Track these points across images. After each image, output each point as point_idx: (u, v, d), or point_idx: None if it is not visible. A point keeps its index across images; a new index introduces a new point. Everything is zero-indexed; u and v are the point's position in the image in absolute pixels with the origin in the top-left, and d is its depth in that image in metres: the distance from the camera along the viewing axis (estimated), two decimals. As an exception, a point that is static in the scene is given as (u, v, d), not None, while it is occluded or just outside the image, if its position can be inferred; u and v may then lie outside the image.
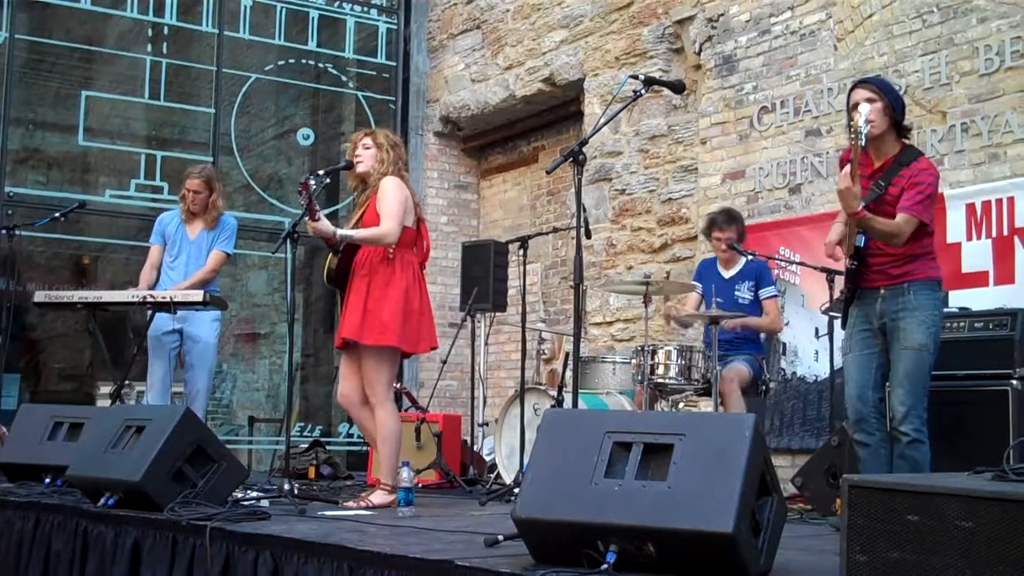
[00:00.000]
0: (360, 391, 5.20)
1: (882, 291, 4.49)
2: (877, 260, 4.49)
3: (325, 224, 4.97)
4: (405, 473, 4.74)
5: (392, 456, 5.11)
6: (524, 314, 6.23)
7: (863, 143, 4.23)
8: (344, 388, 5.25)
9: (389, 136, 5.34)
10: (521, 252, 6.39)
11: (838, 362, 6.25)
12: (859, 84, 4.59)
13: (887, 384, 4.50)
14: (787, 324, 6.65)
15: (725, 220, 6.32)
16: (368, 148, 5.21)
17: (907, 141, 4.52)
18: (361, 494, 5.21)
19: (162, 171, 8.97)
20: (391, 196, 5.07)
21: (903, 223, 4.34)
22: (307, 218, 4.93)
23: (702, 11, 7.61)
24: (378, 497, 5.04)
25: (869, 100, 4.40)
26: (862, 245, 4.48)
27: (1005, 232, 5.71)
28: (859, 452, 4.52)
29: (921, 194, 4.36)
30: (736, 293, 6.19)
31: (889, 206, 4.38)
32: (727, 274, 6.32)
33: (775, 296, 6.25)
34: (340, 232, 5.00)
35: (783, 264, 6.67)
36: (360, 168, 5.21)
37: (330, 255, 5.19)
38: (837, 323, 6.19)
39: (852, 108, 4.43)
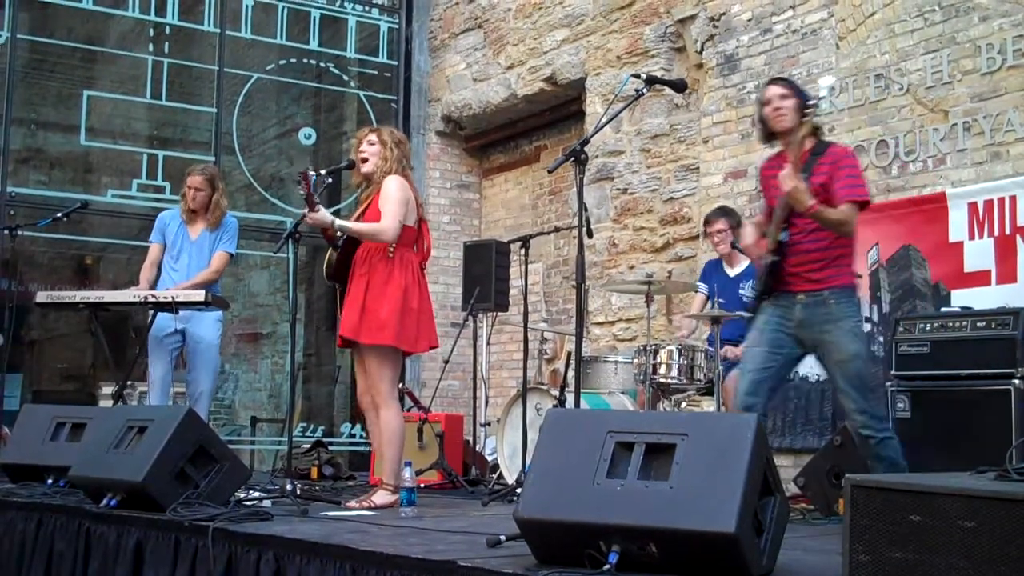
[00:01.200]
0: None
1: (800, 297, 4.57)
2: (796, 261, 4.56)
3: (323, 214, 4.97)
4: (407, 473, 4.74)
5: (396, 456, 5.10)
6: (526, 314, 6.23)
7: (817, 107, 4.42)
8: (363, 388, 5.26)
9: (394, 134, 5.33)
10: (523, 252, 6.39)
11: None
12: (772, 82, 4.80)
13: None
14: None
15: (715, 214, 6.41)
16: (373, 145, 5.21)
17: (818, 134, 4.65)
18: (363, 494, 5.21)
19: (164, 171, 8.97)
20: (392, 194, 5.07)
21: (849, 211, 4.45)
22: (305, 208, 4.93)
23: (704, 10, 7.61)
24: (381, 497, 5.04)
25: (782, 96, 4.60)
26: (786, 240, 4.54)
27: (1007, 231, 5.70)
28: None
29: (852, 176, 4.51)
30: (740, 291, 6.19)
31: (815, 196, 4.43)
32: (731, 272, 6.32)
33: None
34: (338, 223, 5.00)
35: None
36: (365, 167, 5.20)
37: (330, 250, 5.18)
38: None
39: (764, 103, 4.65)
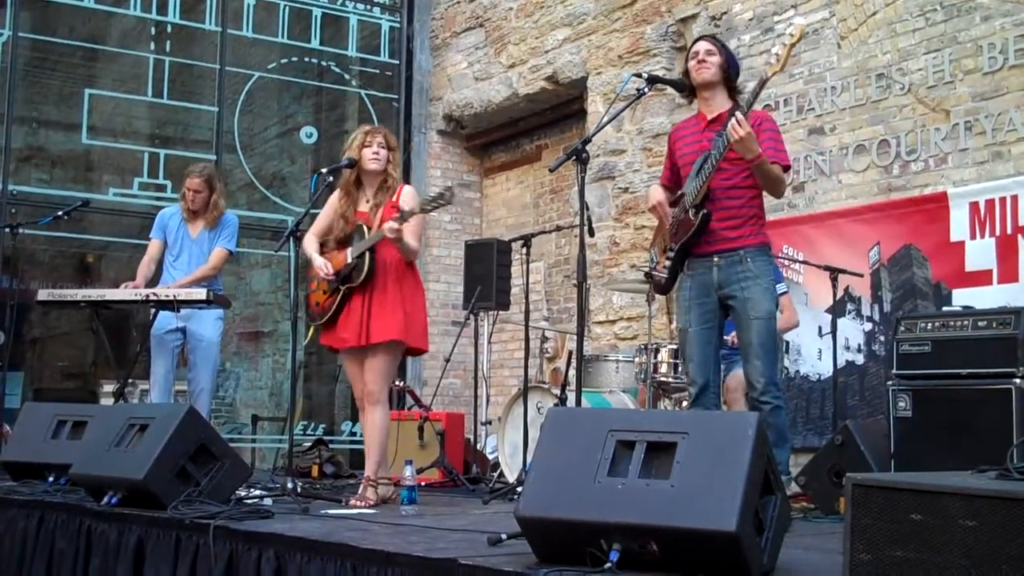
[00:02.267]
0: None
1: (716, 259, 4.60)
2: (713, 221, 4.56)
3: (394, 227, 4.98)
4: (408, 471, 4.74)
5: (384, 453, 5.23)
6: (527, 312, 6.23)
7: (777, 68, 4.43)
8: (363, 388, 5.28)
9: (395, 139, 5.47)
10: (524, 250, 6.39)
11: (842, 360, 6.27)
12: (702, 38, 4.87)
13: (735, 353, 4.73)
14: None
15: None
16: (383, 147, 5.27)
17: (736, 97, 4.70)
18: (362, 493, 5.21)
19: (165, 169, 8.97)
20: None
21: (780, 172, 4.54)
22: (398, 217, 4.94)
23: (705, 9, 7.61)
24: (373, 493, 5.06)
25: (709, 52, 4.66)
26: (709, 195, 4.53)
27: (1009, 231, 5.70)
28: None
29: (775, 140, 4.57)
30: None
31: (730, 151, 4.44)
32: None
33: (786, 292, 6.23)
34: (405, 240, 5.04)
35: (786, 263, 6.67)
36: (374, 166, 5.21)
37: (359, 254, 5.14)
38: (841, 322, 6.22)
39: (691, 56, 4.71)
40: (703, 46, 4.71)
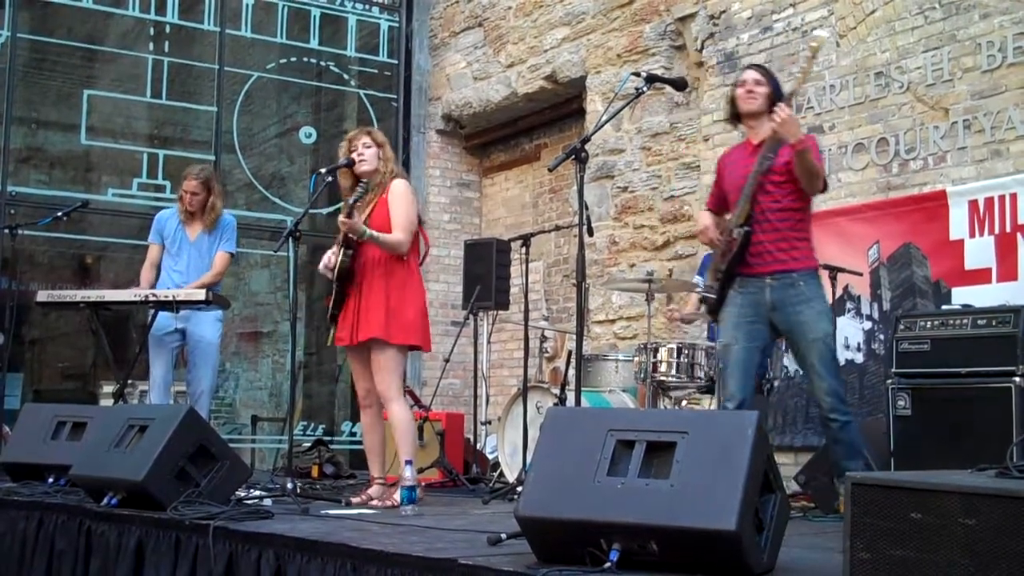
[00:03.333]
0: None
1: (769, 280, 4.64)
2: (763, 237, 4.63)
3: (358, 222, 5.00)
4: (408, 472, 4.74)
5: (412, 450, 5.16)
6: (526, 312, 6.23)
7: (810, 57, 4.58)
8: (367, 387, 5.29)
9: (381, 134, 5.42)
10: (523, 250, 6.39)
11: (841, 359, 6.25)
12: (751, 67, 4.99)
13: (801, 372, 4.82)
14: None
15: None
16: (369, 147, 5.24)
17: None
18: (372, 490, 5.21)
19: (164, 170, 8.97)
20: (406, 203, 5.18)
21: (822, 168, 4.64)
22: (343, 213, 4.98)
23: (704, 8, 7.60)
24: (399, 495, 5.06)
25: (757, 82, 4.74)
26: (754, 214, 4.61)
27: (1008, 229, 5.70)
28: None
29: (816, 151, 4.64)
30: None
31: (777, 175, 4.59)
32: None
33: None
34: (369, 232, 5.03)
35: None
36: (364, 167, 5.22)
37: (342, 251, 5.16)
38: (840, 320, 6.22)
39: (738, 84, 4.80)
40: (752, 76, 4.78)
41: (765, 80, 4.76)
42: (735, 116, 4.88)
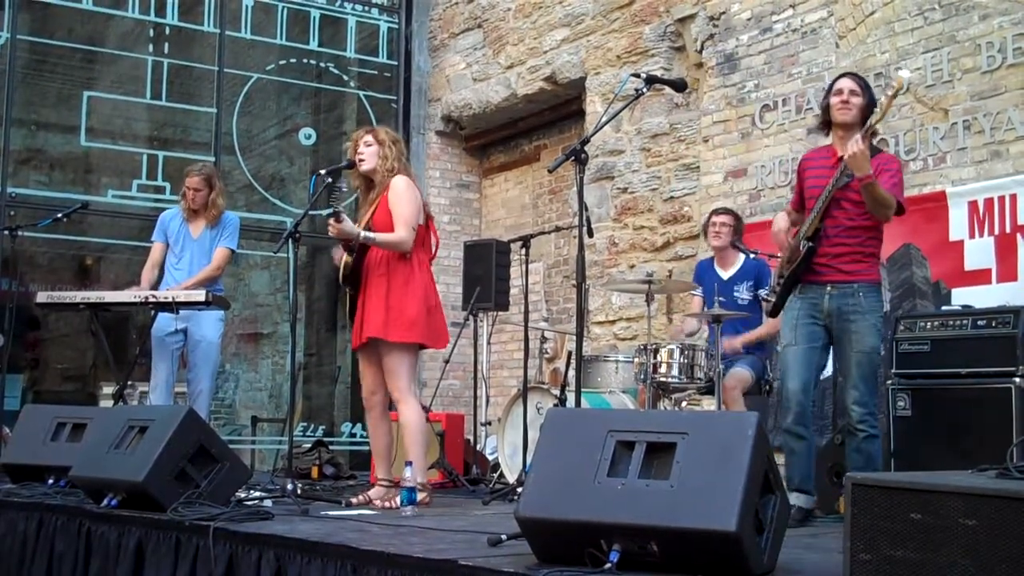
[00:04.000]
0: (386, 394, 5.23)
1: (830, 288, 4.69)
2: (831, 250, 4.67)
3: (349, 226, 4.98)
4: (408, 472, 4.74)
5: (423, 451, 5.14)
6: (526, 313, 6.23)
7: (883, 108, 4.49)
8: (372, 387, 5.28)
9: (389, 132, 5.35)
10: (523, 251, 6.39)
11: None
12: (848, 75, 4.91)
13: (839, 380, 4.83)
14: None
15: (723, 209, 6.46)
16: (370, 146, 5.22)
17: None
18: (372, 492, 5.20)
19: (164, 171, 8.97)
20: (405, 199, 5.12)
21: (893, 200, 4.59)
22: (330, 220, 4.94)
23: (703, 9, 7.61)
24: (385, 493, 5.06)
25: (853, 92, 4.71)
26: (821, 228, 4.67)
27: (1008, 229, 5.70)
28: (794, 445, 4.74)
29: (895, 178, 4.66)
30: (735, 293, 6.18)
31: (854, 192, 4.60)
32: (725, 274, 6.31)
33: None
34: (364, 234, 5.01)
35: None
36: (364, 167, 5.21)
37: (344, 255, 5.17)
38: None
39: (834, 93, 4.74)
40: (848, 85, 4.74)
41: (860, 90, 4.72)
42: (826, 123, 4.84)
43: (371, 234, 5.04)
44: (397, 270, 5.11)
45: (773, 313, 4.97)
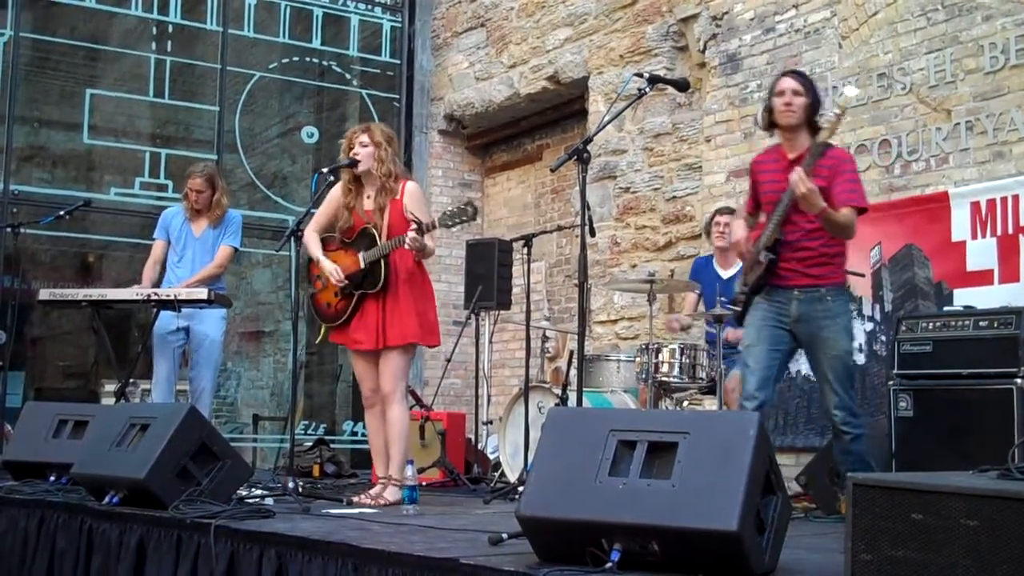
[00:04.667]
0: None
1: (796, 292, 4.64)
2: (794, 257, 4.62)
3: (419, 241, 5.01)
4: (409, 471, 4.75)
5: (405, 452, 5.16)
6: (528, 312, 6.23)
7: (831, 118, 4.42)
8: (373, 386, 5.29)
9: (384, 131, 5.34)
10: (525, 250, 6.39)
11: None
12: (789, 74, 4.81)
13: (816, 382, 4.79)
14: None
15: (726, 209, 6.46)
16: (366, 146, 5.21)
17: (817, 134, 4.65)
18: (371, 491, 5.20)
19: (167, 169, 8.97)
20: (424, 206, 5.23)
21: (851, 215, 4.51)
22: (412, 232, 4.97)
23: (706, 9, 7.60)
24: (393, 494, 5.06)
25: (796, 92, 4.61)
26: (781, 238, 4.60)
27: (1010, 230, 5.70)
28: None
29: (852, 182, 4.57)
30: (735, 292, 6.17)
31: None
32: (725, 273, 6.31)
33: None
34: (429, 245, 5.11)
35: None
36: (361, 167, 5.21)
37: (363, 257, 5.15)
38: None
39: (776, 93, 4.64)
40: (790, 85, 4.64)
41: (803, 90, 4.64)
42: (771, 125, 4.77)
43: (430, 244, 5.12)
44: (415, 276, 5.21)
45: (741, 321, 4.90)
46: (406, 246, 4.99)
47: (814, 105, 4.63)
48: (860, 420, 4.67)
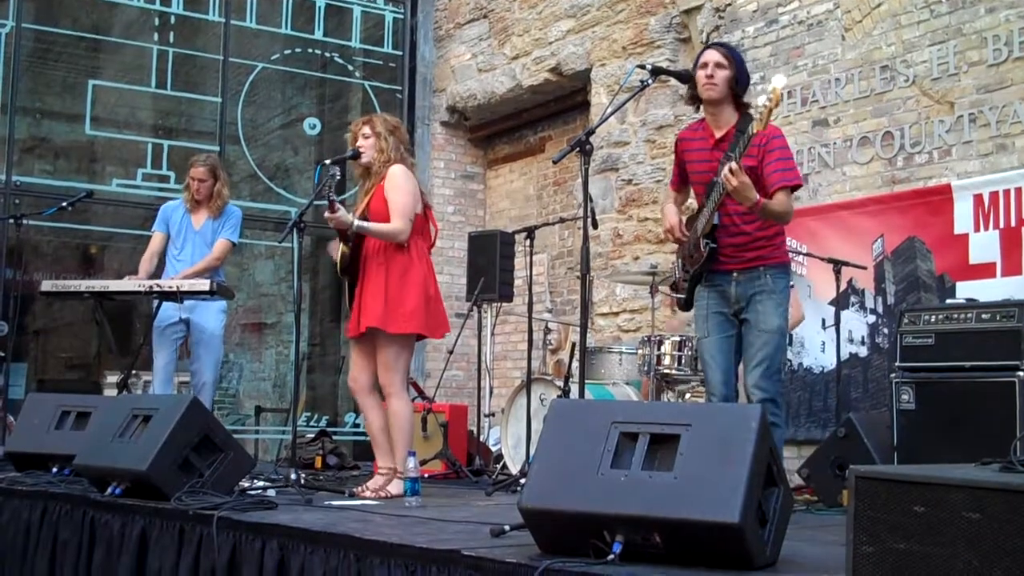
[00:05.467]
0: (371, 377, 5.22)
1: (735, 274, 4.55)
2: (731, 241, 4.52)
3: (343, 215, 4.98)
4: (411, 463, 4.75)
5: (407, 445, 5.13)
6: (530, 304, 6.23)
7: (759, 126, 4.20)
8: (355, 372, 5.28)
9: (387, 121, 5.32)
10: (528, 242, 6.39)
11: (845, 353, 6.26)
12: (714, 46, 4.68)
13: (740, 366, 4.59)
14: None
15: None
16: (367, 138, 5.21)
17: (744, 110, 4.54)
18: (371, 483, 5.20)
19: (169, 160, 8.98)
20: (401, 189, 5.09)
21: (787, 199, 4.40)
22: (326, 210, 4.93)
23: (709, 1, 7.59)
24: (396, 487, 5.05)
25: (718, 65, 4.47)
26: (718, 223, 4.50)
27: (1013, 223, 5.70)
28: None
29: (783, 159, 4.43)
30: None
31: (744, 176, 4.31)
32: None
33: (792, 286, 6.20)
34: (357, 223, 5.00)
35: (790, 255, 6.66)
36: (363, 159, 5.21)
37: (341, 245, 5.18)
38: (844, 314, 6.22)
39: (700, 66, 4.50)
40: (713, 57, 4.51)
41: (727, 62, 4.50)
42: (694, 99, 4.65)
43: (365, 224, 5.03)
44: (395, 260, 5.09)
45: (685, 308, 4.81)
46: (325, 219, 4.96)
47: (740, 79, 4.51)
48: (779, 410, 4.50)
